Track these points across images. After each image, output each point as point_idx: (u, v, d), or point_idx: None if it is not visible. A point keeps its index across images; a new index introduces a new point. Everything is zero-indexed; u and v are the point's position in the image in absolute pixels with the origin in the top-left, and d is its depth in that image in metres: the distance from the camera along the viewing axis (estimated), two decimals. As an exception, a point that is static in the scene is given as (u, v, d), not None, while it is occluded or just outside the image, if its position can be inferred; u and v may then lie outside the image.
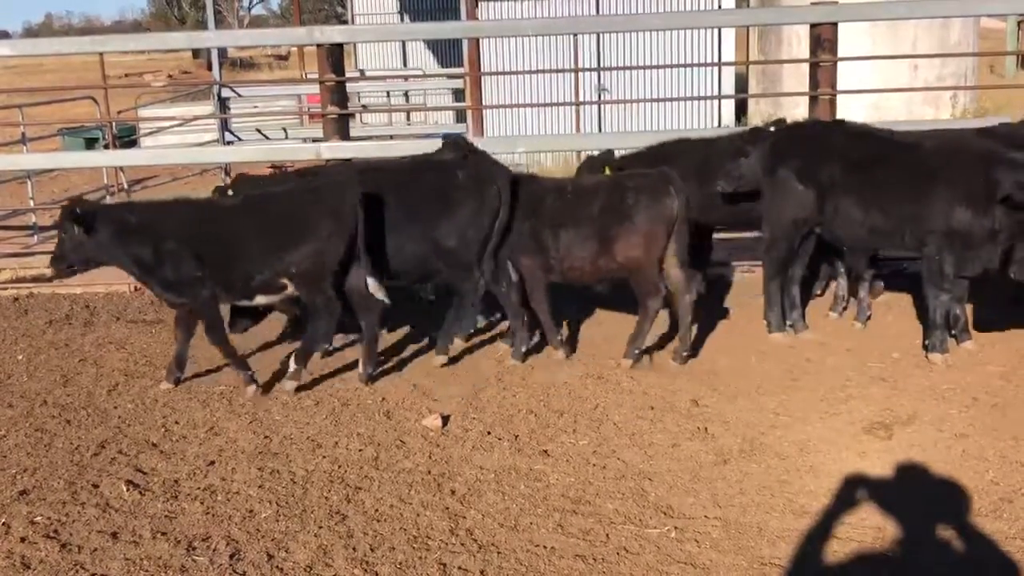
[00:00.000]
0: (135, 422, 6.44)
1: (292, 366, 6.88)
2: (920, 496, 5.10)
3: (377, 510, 5.11)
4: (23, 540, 4.86)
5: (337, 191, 6.81)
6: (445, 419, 6.26)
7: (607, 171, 7.71)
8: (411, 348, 7.70)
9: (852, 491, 5.12)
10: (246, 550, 4.73)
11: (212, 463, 5.76)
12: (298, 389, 6.86)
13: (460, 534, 4.85)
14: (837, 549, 4.62)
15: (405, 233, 7.12)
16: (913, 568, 4.46)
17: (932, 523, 4.79)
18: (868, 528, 4.77)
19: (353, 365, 7.36)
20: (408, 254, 7.18)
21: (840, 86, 9.42)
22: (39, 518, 5.10)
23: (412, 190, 7.19)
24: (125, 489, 5.41)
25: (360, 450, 5.88)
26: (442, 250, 7.17)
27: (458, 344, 7.62)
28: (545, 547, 4.71)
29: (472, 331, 7.86)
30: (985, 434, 5.78)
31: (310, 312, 6.86)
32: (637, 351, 7.18)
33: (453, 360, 7.39)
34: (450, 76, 21.53)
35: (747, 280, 8.99)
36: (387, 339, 7.89)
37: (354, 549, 4.73)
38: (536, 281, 7.28)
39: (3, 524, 5.03)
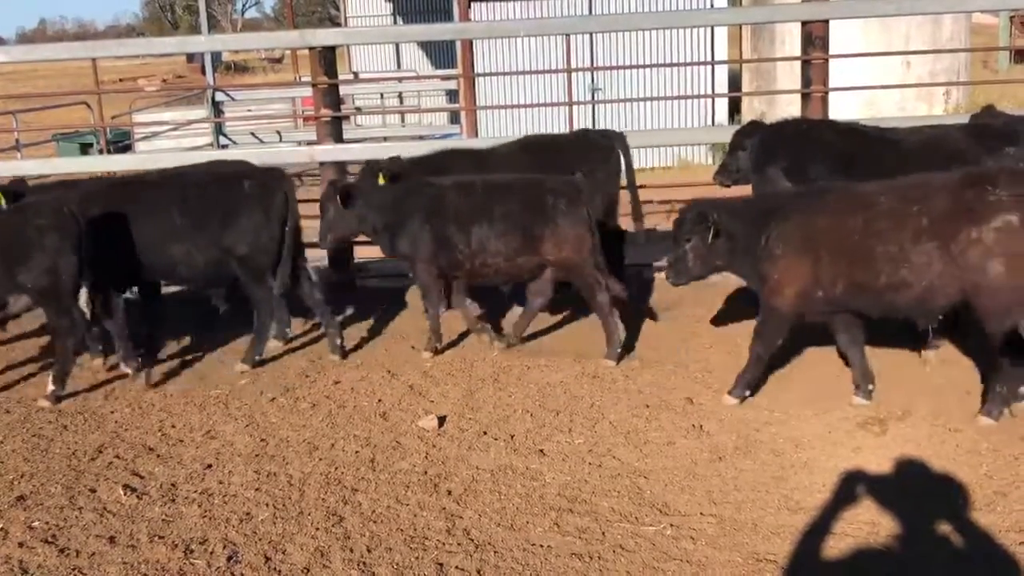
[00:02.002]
0: (132, 426, 6.45)
1: (50, 386, 6.93)
2: (914, 491, 5.12)
3: (374, 511, 5.13)
4: (21, 545, 4.87)
5: (56, 207, 6.85)
6: (441, 420, 6.27)
7: (381, 179, 7.74)
8: (406, 350, 7.72)
9: (847, 486, 5.13)
10: (244, 552, 4.75)
11: (209, 466, 5.77)
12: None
13: (457, 534, 4.87)
14: (832, 544, 4.64)
15: (192, 242, 7.28)
16: (908, 563, 4.48)
17: (927, 518, 4.81)
18: (863, 523, 4.79)
19: (351, 369, 7.39)
20: (196, 262, 7.35)
21: (833, 83, 9.44)
22: (37, 523, 5.11)
23: (199, 201, 7.33)
24: (122, 493, 5.42)
25: (357, 452, 5.90)
26: (236, 257, 7.34)
27: (274, 346, 7.84)
28: (542, 546, 4.72)
29: (288, 336, 8.09)
30: (979, 428, 5.80)
31: (52, 333, 7.03)
32: (617, 349, 7.25)
33: (447, 360, 7.42)
34: (444, 77, 21.56)
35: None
36: (382, 341, 7.95)
37: (351, 550, 4.74)
38: (431, 282, 7.42)
39: (1, 529, 5.04)
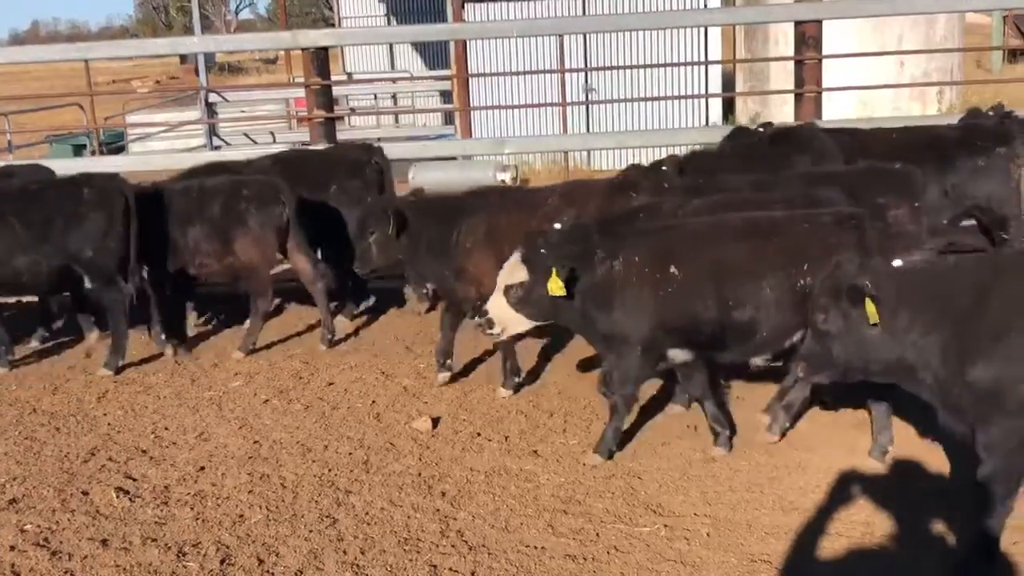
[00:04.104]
0: (125, 429, 6.43)
1: None
2: (909, 491, 5.12)
3: (367, 513, 5.12)
4: (13, 548, 4.85)
5: None
6: (435, 421, 6.26)
7: None
8: (403, 351, 7.70)
9: (841, 487, 5.13)
10: (237, 555, 4.73)
11: (202, 469, 5.75)
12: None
13: (451, 535, 4.85)
14: (827, 545, 4.64)
15: (37, 249, 7.25)
16: (902, 563, 4.48)
17: (921, 518, 4.80)
18: (857, 523, 4.79)
19: (345, 371, 7.38)
20: (42, 270, 7.33)
21: (827, 83, 9.46)
22: (29, 526, 5.08)
23: (40, 209, 7.32)
24: (115, 496, 5.40)
25: (350, 453, 5.88)
26: (82, 262, 7.34)
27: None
28: (536, 547, 4.71)
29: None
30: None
31: None
32: (251, 345, 7.78)
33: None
34: (437, 78, 21.52)
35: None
36: (381, 339, 7.94)
37: (345, 552, 4.73)
38: (163, 285, 7.67)
39: (-7, 533, 5.03)
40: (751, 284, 5.27)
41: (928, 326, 4.25)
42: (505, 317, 5.53)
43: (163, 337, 7.83)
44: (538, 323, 5.73)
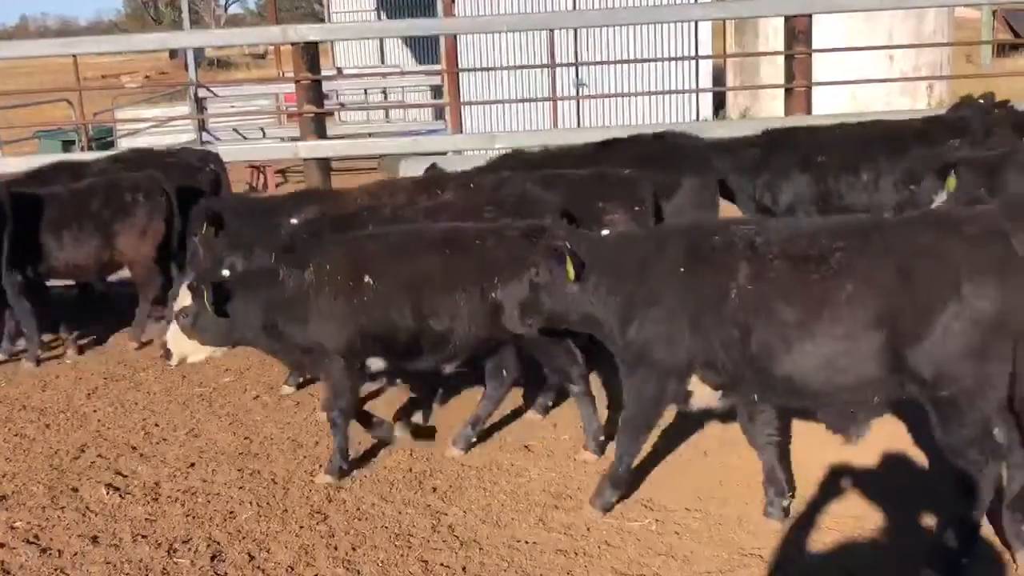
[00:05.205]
0: (115, 425, 6.42)
1: None
2: (901, 485, 5.13)
3: (359, 509, 5.11)
4: (2, 546, 4.85)
5: None
6: (426, 416, 6.25)
7: None
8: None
9: (832, 482, 5.13)
10: (227, 551, 4.73)
11: (192, 465, 5.75)
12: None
13: (442, 531, 4.85)
14: (818, 539, 4.65)
15: None
16: (894, 556, 4.49)
17: (913, 512, 4.81)
18: (849, 518, 4.80)
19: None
20: None
21: (817, 78, 9.46)
22: (19, 523, 5.08)
23: None
24: (105, 492, 5.39)
25: (341, 449, 5.87)
26: None
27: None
28: (527, 542, 4.72)
29: None
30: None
31: None
32: (140, 336, 7.87)
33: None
34: (428, 73, 21.46)
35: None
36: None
37: (336, 548, 4.73)
38: (20, 290, 7.52)
39: (-18, 530, 5.01)
40: (436, 295, 5.40)
41: (607, 288, 4.80)
42: (181, 345, 5.46)
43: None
44: (221, 347, 5.61)
